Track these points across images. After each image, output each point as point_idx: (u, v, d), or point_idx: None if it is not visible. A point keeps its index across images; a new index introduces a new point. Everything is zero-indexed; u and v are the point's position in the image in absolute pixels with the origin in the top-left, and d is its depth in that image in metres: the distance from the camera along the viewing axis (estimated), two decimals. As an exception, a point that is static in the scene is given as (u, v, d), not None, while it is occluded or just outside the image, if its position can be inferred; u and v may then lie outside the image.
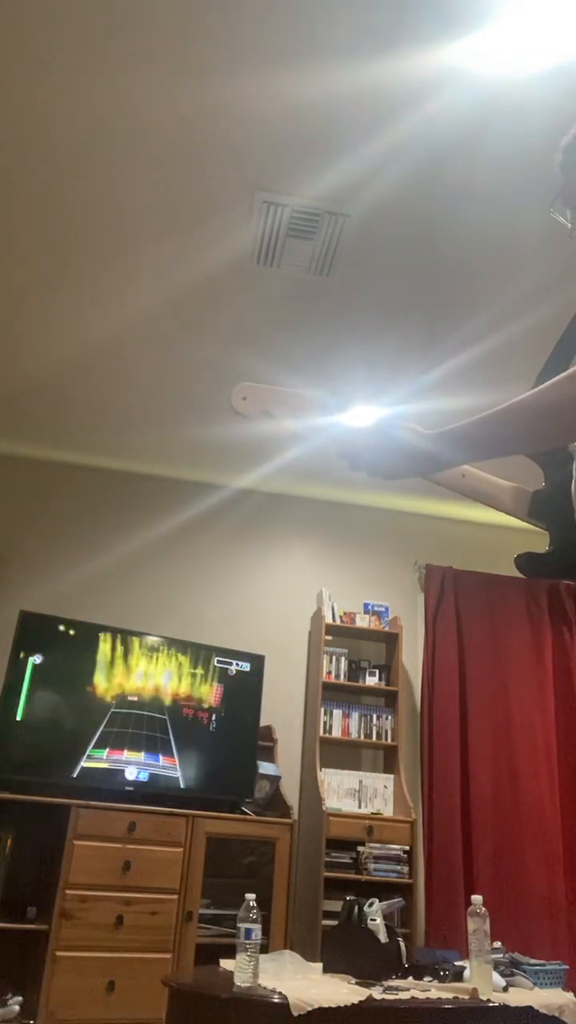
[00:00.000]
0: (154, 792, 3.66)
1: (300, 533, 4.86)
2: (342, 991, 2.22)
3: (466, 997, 2.32)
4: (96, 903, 3.25)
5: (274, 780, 3.97)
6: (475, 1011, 2.29)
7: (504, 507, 1.29)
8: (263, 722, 4.10)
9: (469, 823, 4.20)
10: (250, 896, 2.30)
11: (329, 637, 4.40)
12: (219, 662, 4.06)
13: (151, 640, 3.97)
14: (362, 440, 1.17)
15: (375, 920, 2.60)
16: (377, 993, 2.24)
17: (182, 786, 3.76)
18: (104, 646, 3.85)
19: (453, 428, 1.08)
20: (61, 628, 3.82)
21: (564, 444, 1.03)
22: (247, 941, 2.22)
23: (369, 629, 4.50)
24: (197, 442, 4.36)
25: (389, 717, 4.35)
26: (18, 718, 3.57)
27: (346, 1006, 2.11)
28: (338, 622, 4.45)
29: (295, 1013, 2.02)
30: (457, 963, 2.63)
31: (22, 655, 3.68)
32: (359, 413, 1.24)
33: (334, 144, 2.52)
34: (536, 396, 0.99)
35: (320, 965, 2.63)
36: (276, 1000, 2.07)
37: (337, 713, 4.29)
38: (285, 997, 2.07)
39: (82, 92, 2.40)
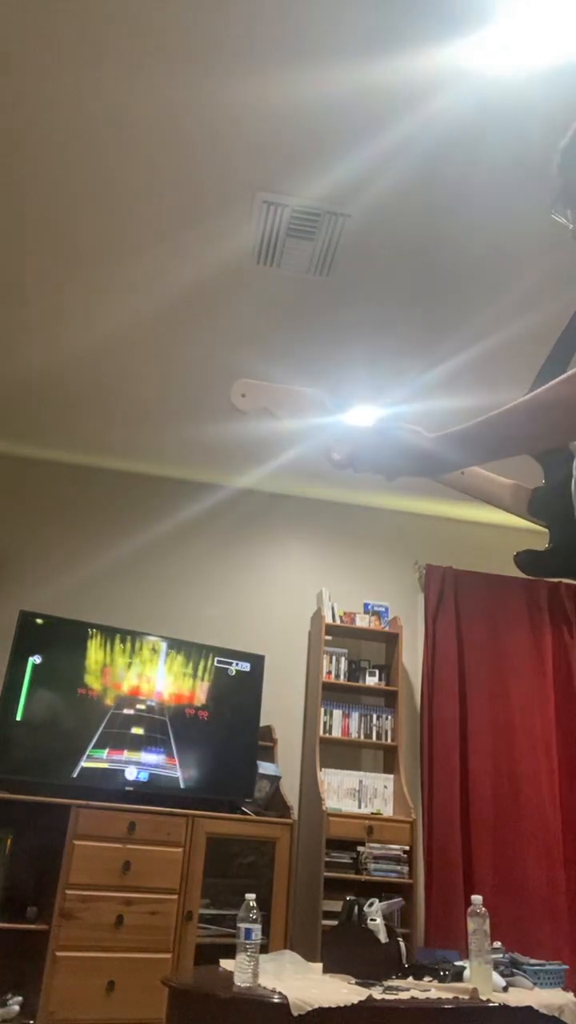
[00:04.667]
0: (154, 792, 3.66)
1: (300, 533, 4.86)
2: (342, 991, 2.22)
3: (466, 997, 2.32)
4: (96, 903, 3.25)
5: (274, 780, 3.97)
6: (475, 1011, 2.29)
7: (504, 505, 1.29)
8: (263, 722, 4.10)
9: (469, 823, 4.20)
10: (250, 896, 2.30)
11: (329, 637, 4.40)
12: (219, 662, 4.06)
13: (151, 640, 3.97)
14: (363, 440, 1.18)
15: (375, 920, 2.60)
16: (377, 993, 2.24)
17: (182, 786, 3.76)
18: (104, 646, 3.85)
19: (455, 431, 1.09)
20: (61, 628, 3.82)
21: (564, 444, 1.03)
22: (247, 941, 2.22)
23: (369, 629, 4.50)
24: (197, 442, 4.36)
25: (389, 717, 4.35)
26: (18, 718, 3.57)
27: (346, 1006, 2.10)
28: (338, 622, 4.45)
29: (295, 1013, 2.02)
30: (457, 963, 2.64)
31: (22, 655, 3.68)
32: (359, 413, 1.24)
33: (334, 144, 2.52)
34: (537, 398, 1.00)
35: (320, 965, 2.63)
36: (276, 1000, 2.07)
37: (337, 713, 4.29)
38: (285, 997, 2.06)
39: (83, 93, 2.40)
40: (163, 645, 3.98)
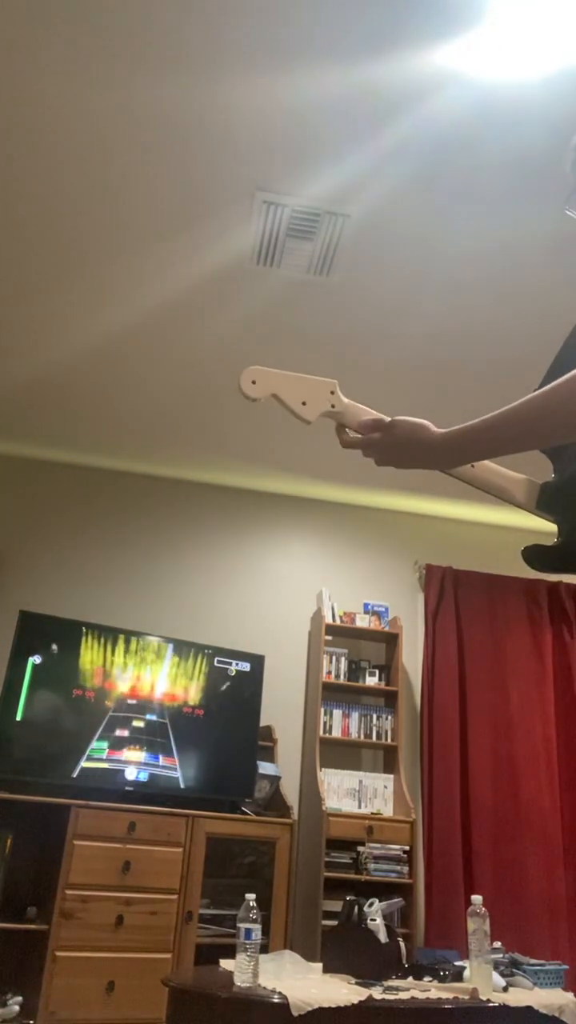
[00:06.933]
0: (154, 792, 3.66)
1: (300, 533, 4.86)
2: (342, 991, 2.22)
3: (466, 997, 2.32)
4: (96, 903, 3.25)
5: (274, 780, 3.97)
6: (475, 1011, 2.29)
7: (513, 499, 1.29)
8: (263, 722, 4.10)
9: (469, 823, 4.20)
10: (250, 896, 2.30)
11: (329, 637, 4.40)
12: (219, 662, 4.06)
13: (151, 640, 3.97)
14: (373, 432, 1.19)
15: (375, 920, 2.60)
16: (377, 993, 2.24)
17: (182, 786, 3.76)
18: (104, 646, 3.85)
19: (464, 427, 1.09)
20: (61, 628, 3.82)
21: (574, 440, 1.04)
22: (247, 941, 2.22)
23: (369, 629, 4.50)
24: (198, 442, 4.36)
25: (389, 717, 4.35)
26: (18, 718, 3.57)
27: (346, 1006, 2.10)
28: (338, 622, 4.45)
29: (295, 1013, 2.02)
30: (457, 963, 2.63)
31: (22, 655, 3.68)
32: (365, 410, 1.25)
33: (334, 144, 2.52)
34: (546, 394, 1.01)
35: (320, 965, 2.63)
36: (276, 1000, 2.07)
37: (337, 713, 4.29)
38: (285, 997, 2.06)
39: (83, 93, 2.40)
40: (163, 645, 3.98)
